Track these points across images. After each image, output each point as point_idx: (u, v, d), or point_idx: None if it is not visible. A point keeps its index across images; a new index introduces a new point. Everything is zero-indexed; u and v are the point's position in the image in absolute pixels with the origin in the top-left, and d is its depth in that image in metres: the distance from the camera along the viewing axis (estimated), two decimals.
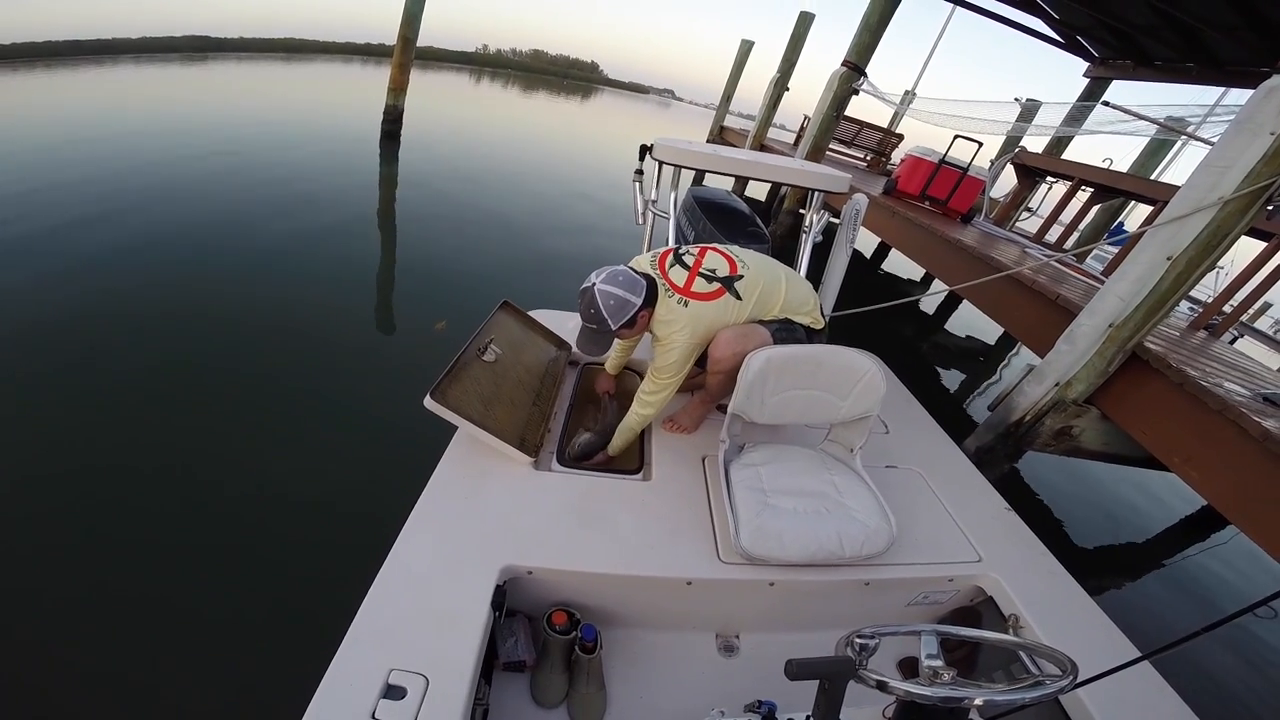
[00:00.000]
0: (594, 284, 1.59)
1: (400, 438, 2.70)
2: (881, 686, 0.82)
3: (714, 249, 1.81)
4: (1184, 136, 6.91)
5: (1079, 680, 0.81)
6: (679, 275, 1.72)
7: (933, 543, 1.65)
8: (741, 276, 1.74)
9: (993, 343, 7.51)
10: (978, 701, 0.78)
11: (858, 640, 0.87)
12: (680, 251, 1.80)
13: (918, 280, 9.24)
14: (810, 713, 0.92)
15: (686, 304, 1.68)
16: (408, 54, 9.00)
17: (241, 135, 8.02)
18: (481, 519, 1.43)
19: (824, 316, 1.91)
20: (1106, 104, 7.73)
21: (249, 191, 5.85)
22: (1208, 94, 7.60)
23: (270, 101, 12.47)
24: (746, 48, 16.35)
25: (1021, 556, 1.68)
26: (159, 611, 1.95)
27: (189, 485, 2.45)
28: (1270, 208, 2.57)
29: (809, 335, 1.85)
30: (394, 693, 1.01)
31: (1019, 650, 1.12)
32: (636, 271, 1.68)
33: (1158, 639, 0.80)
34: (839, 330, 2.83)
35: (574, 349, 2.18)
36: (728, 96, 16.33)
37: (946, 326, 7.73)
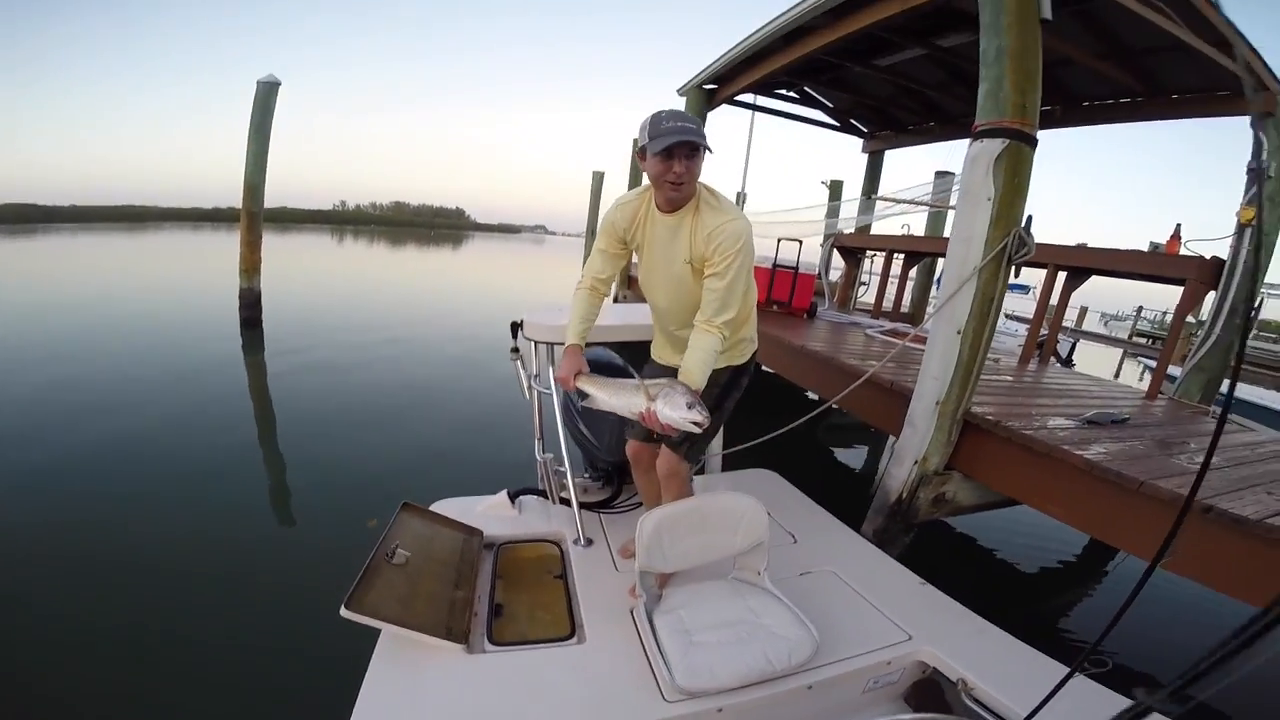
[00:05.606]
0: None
1: (325, 645, 2.39)
2: None
3: None
4: (942, 209, 8.30)
5: None
6: None
7: (860, 634, 1.81)
8: None
9: None
10: None
11: None
12: None
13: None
14: None
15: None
16: (255, 230, 8.48)
17: (85, 336, 7.12)
18: None
19: None
20: (870, 197, 9.02)
21: (103, 418, 5.12)
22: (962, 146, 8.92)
23: (112, 287, 11.29)
24: (599, 179, 17.08)
25: (947, 623, 1.87)
26: None
27: None
28: (1013, 267, 2.81)
29: None
30: None
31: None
32: None
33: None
34: (742, 457, 3.17)
35: (484, 533, 2.21)
36: (591, 229, 17.34)
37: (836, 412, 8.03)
